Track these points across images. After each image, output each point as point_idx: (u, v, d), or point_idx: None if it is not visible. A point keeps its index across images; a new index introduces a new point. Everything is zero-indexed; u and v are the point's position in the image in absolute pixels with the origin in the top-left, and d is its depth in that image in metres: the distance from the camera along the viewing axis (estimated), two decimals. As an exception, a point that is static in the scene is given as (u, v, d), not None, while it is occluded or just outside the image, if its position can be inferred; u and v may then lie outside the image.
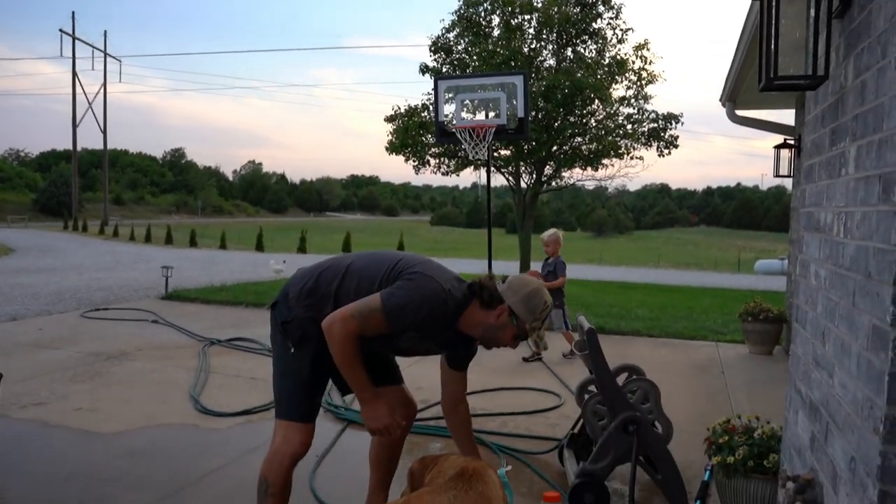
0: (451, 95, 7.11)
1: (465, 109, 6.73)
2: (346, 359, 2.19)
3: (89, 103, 49.14)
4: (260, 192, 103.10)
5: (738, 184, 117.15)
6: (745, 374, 5.70)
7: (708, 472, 3.41)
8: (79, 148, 53.30)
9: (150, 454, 3.58)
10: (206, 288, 10.72)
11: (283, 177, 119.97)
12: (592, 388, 3.36)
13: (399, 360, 2.73)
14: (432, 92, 13.66)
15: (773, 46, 1.90)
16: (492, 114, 6.71)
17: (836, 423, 1.78)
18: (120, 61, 59.33)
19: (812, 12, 1.89)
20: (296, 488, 2.50)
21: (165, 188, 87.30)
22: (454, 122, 6.72)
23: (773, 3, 1.90)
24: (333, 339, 2.16)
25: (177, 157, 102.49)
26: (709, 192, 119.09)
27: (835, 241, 1.92)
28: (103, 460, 3.47)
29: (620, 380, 3.21)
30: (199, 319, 7.82)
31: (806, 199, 2.36)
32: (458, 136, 6.57)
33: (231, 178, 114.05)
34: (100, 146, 51.35)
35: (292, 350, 2.36)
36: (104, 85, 49.31)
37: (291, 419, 2.37)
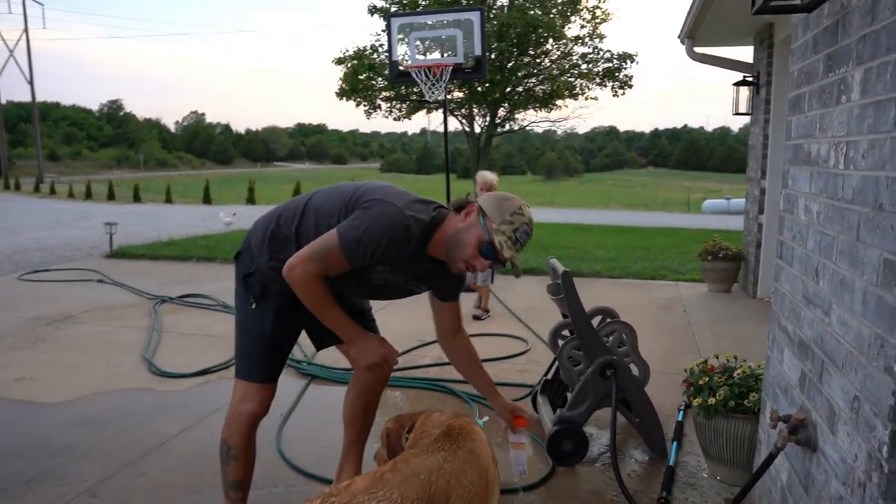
0: (401, 37, 6.78)
1: (419, 49, 6.43)
2: (315, 301, 2.03)
3: (10, 51, 46.10)
4: (204, 143, 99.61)
5: (685, 125, 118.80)
6: (708, 312, 5.77)
7: (681, 412, 3.41)
8: (3, 101, 50.21)
9: (104, 422, 3.37)
10: (154, 244, 10.28)
11: (227, 127, 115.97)
12: (565, 332, 3.29)
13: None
14: (382, 32, 13.30)
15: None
16: (447, 52, 6.44)
17: (834, 361, 1.72)
18: (42, 4, 55.64)
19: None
20: (262, 450, 2.37)
21: (104, 142, 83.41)
22: (408, 61, 6.43)
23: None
24: (296, 284, 1.99)
25: (114, 108, 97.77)
26: (656, 133, 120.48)
27: (831, 173, 1.82)
28: (52, 432, 3.25)
29: (594, 323, 3.14)
30: (148, 277, 7.48)
31: (792, 132, 2.26)
32: (414, 76, 6.30)
33: (173, 130, 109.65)
34: (26, 98, 48.46)
35: (253, 305, 2.19)
36: (26, 31, 46.21)
37: (251, 379, 2.21)
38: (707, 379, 2.69)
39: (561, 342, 3.18)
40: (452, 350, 2.39)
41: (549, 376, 3.46)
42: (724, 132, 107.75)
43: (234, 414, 2.23)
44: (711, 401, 2.59)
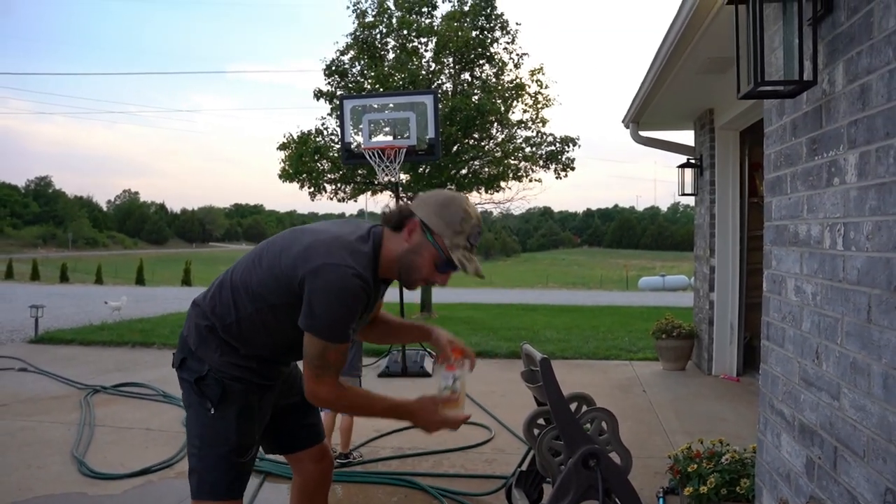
0: (351, 121, 6.82)
1: (371, 131, 6.45)
2: (362, 407, 2.03)
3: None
4: (138, 222, 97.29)
5: (616, 205, 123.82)
6: (666, 391, 5.73)
7: (661, 500, 3.28)
8: (-77, 178, 47.91)
9: (29, 535, 2.98)
10: (84, 328, 9.68)
11: (162, 206, 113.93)
12: (541, 420, 3.15)
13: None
14: (327, 116, 13.42)
15: (759, 51, 1.79)
16: (399, 135, 6.48)
17: (852, 448, 1.65)
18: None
19: (795, 17, 1.79)
20: None
21: (29, 220, 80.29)
22: (362, 143, 6.43)
23: (758, 7, 1.79)
24: (338, 406, 2.06)
25: (42, 185, 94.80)
26: (589, 213, 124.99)
27: (828, 254, 1.81)
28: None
29: (572, 410, 3.01)
30: (78, 364, 6.96)
31: (772, 213, 2.28)
32: (367, 157, 6.28)
33: (105, 209, 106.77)
34: (-52, 175, 46.41)
35: (212, 411, 1.94)
36: (-47, 108, 44.76)
37: (216, 497, 1.92)
38: (695, 466, 2.59)
39: (536, 431, 3.03)
40: (376, 326, 2.31)
41: (524, 467, 3.28)
42: (654, 211, 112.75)
43: None
44: (703, 489, 2.49)
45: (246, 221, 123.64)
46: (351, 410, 2.03)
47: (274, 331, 1.94)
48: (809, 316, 1.94)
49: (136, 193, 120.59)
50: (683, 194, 6.54)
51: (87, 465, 3.85)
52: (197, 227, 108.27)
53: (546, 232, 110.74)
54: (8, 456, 4.07)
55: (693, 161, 6.48)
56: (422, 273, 1.93)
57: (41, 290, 20.61)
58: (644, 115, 6.47)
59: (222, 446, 1.93)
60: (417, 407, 1.98)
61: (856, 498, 1.62)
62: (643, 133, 6.78)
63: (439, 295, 16.82)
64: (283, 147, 12.76)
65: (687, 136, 7.12)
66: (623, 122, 6.96)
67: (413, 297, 12.77)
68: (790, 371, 2.08)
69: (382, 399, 1.99)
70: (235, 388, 1.94)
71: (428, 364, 6.75)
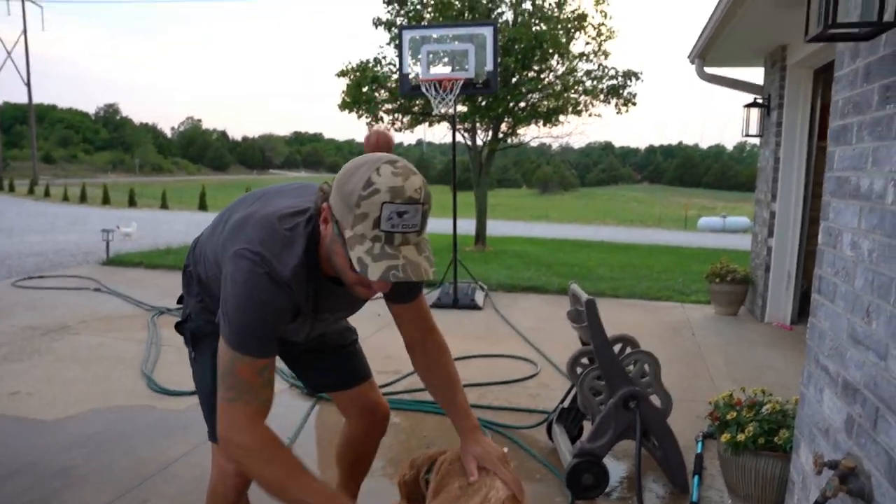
0: (411, 49, 6.72)
1: (429, 62, 6.36)
2: (270, 472, 1.41)
3: (8, 52, 45.97)
4: (200, 149, 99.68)
5: (680, 142, 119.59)
6: (717, 336, 5.68)
7: (700, 444, 3.32)
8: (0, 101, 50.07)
9: (104, 443, 3.25)
10: (151, 251, 10.14)
11: (224, 134, 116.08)
12: (584, 360, 3.19)
13: (359, 327, 2.17)
14: (386, 45, 13.22)
15: (830, -11, 1.67)
16: (457, 66, 6.37)
17: (893, 410, 1.63)
18: (41, 7, 55.71)
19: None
20: None
21: (100, 146, 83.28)
22: (419, 74, 6.36)
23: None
24: (240, 452, 1.44)
25: (111, 112, 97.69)
26: (651, 149, 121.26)
27: (889, 210, 1.74)
28: (49, 452, 3.12)
29: (615, 351, 3.04)
30: (145, 286, 7.35)
31: (835, 163, 2.18)
32: (424, 89, 6.22)
33: (169, 136, 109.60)
34: (23, 100, 48.32)
35: (193, 355, 1.84)
36: (24, 32, 46.09)
37: (214, 440, 1.79)
38: (735, 413, 2.60)
39: (580, 370, 3.08)
40: (419, 360, 1.81)
41: (566, 404, 3.36)
42: (718, 150, 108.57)
43: (213, 491, 1.85)
44: (740, 437, 2.50)
45: (305, 149, 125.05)
46: (259, 473, 1.41)
47: None
48: (863, 273, 1.88)
49: (199, 120, 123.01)
50: (748, 135, 6.26)
51: (155, 381, 4.13)
52: (257, 154, 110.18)
53: (606, 167, 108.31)
54: (91, 367, 4.42)
55: (760, 101, 6.17)
56: (348, 279, 1.43)
57: (111, 214, 21.57)
58: (711, 51, 6.15)
59: (204, 388, 1.79)
60: None
61: (893, 459, 1.61)
62: (708, 70, 6.47)
63: (494, 226, 16.83)
64: (342, 75, 12.70)
65: (754, 75, 6.77)
66: (689, 57, 6.64)
67: (467, 227, 12.84)
68: (838, 327, 2.04)
69: (316, 483, 1.43)
70: (209, 329, 1.70)
71: (479, 297, 6.84)
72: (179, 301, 1.90)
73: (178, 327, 1.85)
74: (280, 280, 1.41)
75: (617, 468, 3.12)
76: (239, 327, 1.40)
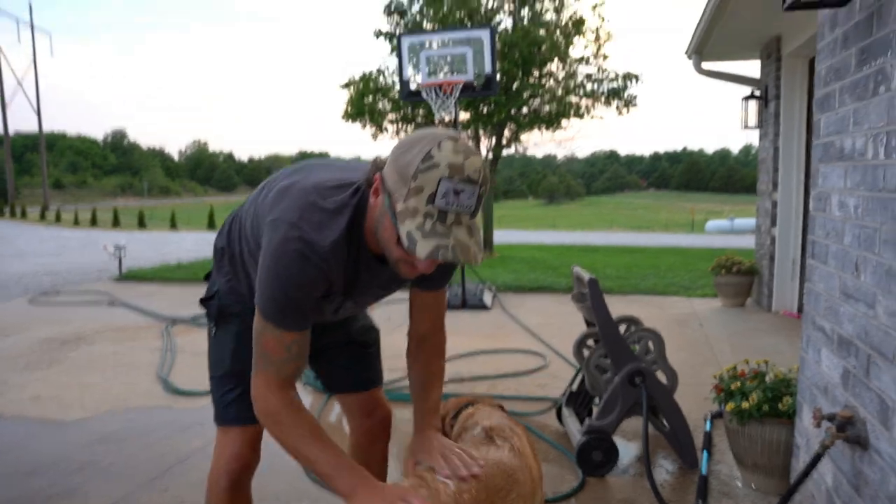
0: (410, 56, 6.84)
1: (430, 71, 6.47)
2: (292, 436, 1.41)
3: (19, 82, 46.73)
4: (208, 171, 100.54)
5: (685, 148, 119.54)
6: (723, 326, 5.72)
7: (709, 422, 3.36)
8: (10, 132, 50.83)
9: (124, 439, 3.33)
10: (162, 267, 10.28)
11: (230, 155, 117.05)
12: (590, 342, 3.26)
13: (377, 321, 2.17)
14: (387, 56, 13.39)
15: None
16: (456, 71, 6.48)
17: (883, 354, 1.69)
18: (50, 35, 56.64)
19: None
20: (284, 462, 2.20)
21: (108, 170, 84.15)
22: (419, 80, 6.47)
23: None
24: (260, 414, 1.45)
25: (118, 137, 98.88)
26: (656, 156, 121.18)
27: (870, 164, 1.81)
28: (71, 449, 3.21)
29: (620, 331, 3.10)
30: (158, 299, 7.46)
31: (821, 131, 2.25)
32: (424, 94, 6.33)
33: (177, 159, 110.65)
34: (33, 128, 49.04)
35: (214, 332, 1.79)
36: (34, 62, 46.90)
37: (222, 423, 1.75)
38: (739, 383, 2.65)
39: (586, 352, 3.15)
40: (415, 352, 1.77)
41: (574, 387, 3.42)
42: (724, 153, 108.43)
43: (212, 471, 1.77)
44: (745, 405, 2.55)
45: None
46: (279, 437, 1.42)
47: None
48: (851, 229, 1.95)
49: (205, 143, 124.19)
50: (746, 127, 6.33)
51: (171, 383, 4.22)
52: (264, 174, 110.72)
53: (611, 175, 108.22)
54: (108, 373, 4.52)
55: (756, 93, 6.24)
56: (392, 254, 1.36)
57: (121, 236, 21.77)
58: (707, 45, 6.24)
59: (218, 370, 1.77)
60: (365, 497, 1.34)
61: (885, 401, 1.67)
62: (706, 65, 6.56)
63: (501, 235, 16.89)
64: (346, 86, 12.87)
65: (751, 69, 6.85)
66: (686, 53, 6.73)
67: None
68: (832, 286, 2.10)
69: (325, 452, 1.40)
70: (236, 309, 1.72)
71: (487, 297, 6.91)
72: (206, 277, 1.88)
73: (203, 302, 1.82)
74: (316, 252, 1.37)
75: (627, 449, 3.17)
76: (267, 297, 1.40)
